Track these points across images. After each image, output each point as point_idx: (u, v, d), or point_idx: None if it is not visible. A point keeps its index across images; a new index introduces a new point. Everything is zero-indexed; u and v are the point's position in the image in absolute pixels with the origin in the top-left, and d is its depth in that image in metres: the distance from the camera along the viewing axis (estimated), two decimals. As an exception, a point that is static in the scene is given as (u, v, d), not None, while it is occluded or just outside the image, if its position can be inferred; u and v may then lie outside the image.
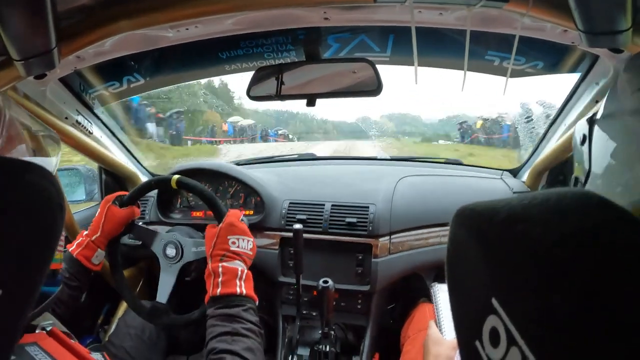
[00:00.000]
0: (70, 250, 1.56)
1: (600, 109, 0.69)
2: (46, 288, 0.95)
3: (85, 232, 1.62)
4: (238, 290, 1.30)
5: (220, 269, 1.32)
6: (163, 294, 1.70)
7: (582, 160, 0.73)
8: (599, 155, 0.68)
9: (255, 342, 1.22)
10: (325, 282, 1.59)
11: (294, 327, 1.94)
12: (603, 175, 0.67)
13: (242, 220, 1.48)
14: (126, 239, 1.96)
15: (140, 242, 1.86)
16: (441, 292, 1.54)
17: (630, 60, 0.68)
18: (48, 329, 0.96)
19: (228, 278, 1.31)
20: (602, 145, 0.67)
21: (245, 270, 1.36)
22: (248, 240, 1.43)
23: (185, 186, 1.65)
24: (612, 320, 0.30)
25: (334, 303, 1.75)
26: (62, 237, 1.03)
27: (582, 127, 0.73)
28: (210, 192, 1.61)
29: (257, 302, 1.34)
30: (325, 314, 1.64)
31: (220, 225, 1.43)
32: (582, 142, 0.73)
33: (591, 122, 0.71)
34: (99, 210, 1.66)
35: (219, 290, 1.29)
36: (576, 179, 0.77)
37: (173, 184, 1.64)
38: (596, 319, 0.30)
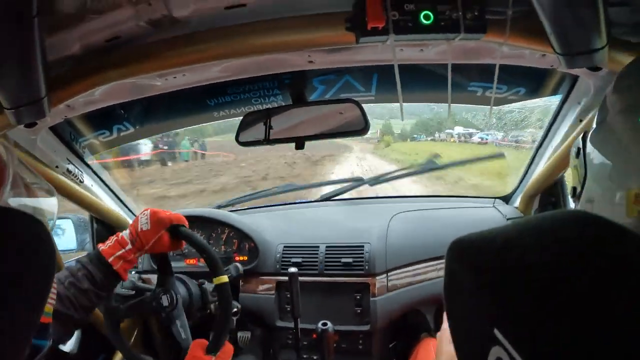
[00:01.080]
0: (109, 260, 1.47)
1: (592, 124, 0.73)
2: (37, 341, 0.93)
3: (129, 247, 1.52)
4: None
5: None
6: (184, 333, 1.65)
7: (578, 168, 0.76)
8: (593, 163, 0.73)
9: None
10: (324, 324, 1.57)
11: None
12: (597, 179, 0.72)
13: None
14: (119, 289, 1.93)
15: (134, 292, 1.83)
16: None
17: (615, 83, 0.71)
18: None
19: None
20: (596, 153, 0.71)
21: None
22: None
23: (220, 292, 1.60)
24: (621, 344, 0.30)
25: (335, 345, 1.72)
26: (54, 291, 1.00)
27: (577, 141, 0.78)
28: (230, 320, 1.57)
29: None
30: (326, 357, 1.62)
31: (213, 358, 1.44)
32: (577, 155, 0.77)
33: (584, 136, 0.75)
34: (147, 227, 1.54)
35: None
36: (574, 188, 0.81)
37: (217, 282, 1.58)
38: (601, 343, 0.30)
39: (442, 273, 1.90)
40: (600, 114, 0.73)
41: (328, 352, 1.61)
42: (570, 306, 0.33)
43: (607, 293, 0.33)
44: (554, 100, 1.79)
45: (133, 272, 2.04)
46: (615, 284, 0.33)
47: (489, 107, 1.83)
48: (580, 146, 0.77)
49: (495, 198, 2.42)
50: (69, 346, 1.98)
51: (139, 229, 1.54)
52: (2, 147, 0.84)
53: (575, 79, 1.57)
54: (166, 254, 1.69)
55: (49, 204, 1.00)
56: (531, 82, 1.72)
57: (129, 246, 1.52)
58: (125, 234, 1.54)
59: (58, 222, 2.25)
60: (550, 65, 1.38)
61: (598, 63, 1.09)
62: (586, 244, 0.38)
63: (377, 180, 2.69)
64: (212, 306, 1.79)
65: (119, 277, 1.49)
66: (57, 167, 1.80)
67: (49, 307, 0.95)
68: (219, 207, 2.56)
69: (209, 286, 1.82)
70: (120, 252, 1.50)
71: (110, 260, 1.47)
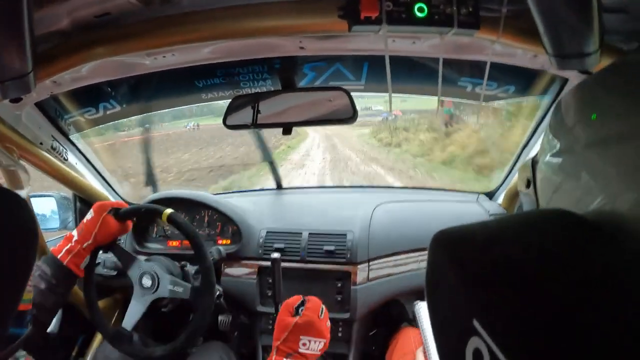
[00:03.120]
0: (58, 257, 1.49)
1: (542, 149, 0.70)
2: (14, 330, 0.93)
3: (75, 238, 1.55)
4: None
5: None
6: (129, 321, 1.66)
7: (530, 204, 0.74)
8: (546, 194, 0.69)
9: None
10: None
11: None
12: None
13: (322, 314, 1.38)
14: (101, 269, 1.93)
15: (115, 272, 1.83)
16: (424, 311, 1.52)
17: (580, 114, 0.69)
18: None
19: None
20: (548, 182, 0.68)
21: None
22: (320, 342, 1.33)
23: (175, 223, 1.62)
24: (597, 337, 0.30)
25: None
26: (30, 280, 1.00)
27: (525, 171, 0.75)
28: (198, 236, 1.58)
29: None
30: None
31: (297, 319, 1.33)
32: (527, 186, 0.75)
33: (533, 164, 0.72)
34: (91, 216, 1.60)
35: None
36: None
37: (163, 218, 1.62)
38: (580, 335, 0.31)
39: (423, 265, 1.92)
40: (563, 140, 0.65)
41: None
42: (550, 303, 0.34)
43: (587, 294, 0.33)
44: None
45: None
46: (595, 285, 0.34)
47: (479, 102, 1.85)
48: (530, 176, 0.73)
49: (479, 193, 2.43)
50: (49, 327, 1.97)
51: (84, 221, 1.59)
52: None
53: (565, 81, 1.58)
54: (115, 242, 1.71)
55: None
56: (521, 81, 1.73)
57: (75, 238, 1.55)
58: (74, 230, 1.58)
59: (40, 199, 2.23)
60: (541, 66, 1.38)
61: (589, 67, 1.09)
62: (569, 244, 0.39)
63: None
64: None
65: (71, 273, 1.50)
66: (41, 143, 1.77)
67: (27, 294, 0.95)
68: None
69: (190, 268, 1.83)
70: (67, 246, 1.52)
71: (59, 256, 1.49)
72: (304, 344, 1.30)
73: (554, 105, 0.69)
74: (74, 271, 1.50)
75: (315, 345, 1.31)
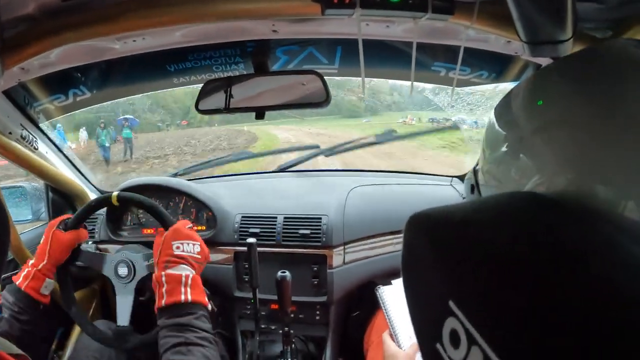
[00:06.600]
0: (17, 283, 1.47)
1: (482, 155, 0.72)
2: None
3: (32, 262, 1.53)
4: (183, 297, 1.25)
5: (163, 278, 1.28)
6: (123, 317, 1.62)
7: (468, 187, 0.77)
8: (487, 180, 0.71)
9: (211, 350, 1.18)
10: (283, 272, 1.62)
11: (254, 342, 1.91)
12: None
13: (189, 227, 1.47)
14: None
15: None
16: (386, 295, 1.53)
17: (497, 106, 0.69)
18: None
19: (172, 286, 1.27)
20: (488, 172, 0.70)
21: (191, 275, 1.32)
22: (194, 244, 1.40)
23: (127, 201, 1.62)
24: (567, 314, 0.32)
25: (292, 315, 1.75)
26: None
27: (469, 179, 0.78)
28: (152, 202, 1.59)
29: (208, 308, 1.31)
30: (284, 302, 1.66)
31: (166, 233, 1.41)
32: (472, 191, 0.77)
33: (475, 172, 0.75)
34: (43, 237, 1.57)
35: (164, 301, 1.25)
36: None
37: (114, 201, 1.61)
38: (552, 313, 0.32)
39: (398, 247, 1.94)
40: (505, 129, 0.65)
41: (285, 297, 1.65)
42: (524, 283, 0.35)
43: (558, 272, 0.34)
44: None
45: (90, 242, 2.00)
46: (566, 263, 0.35)
47: (451, 87, 1.86)
48: (474, 182, 0.76)
49: (452, 177, 2.46)
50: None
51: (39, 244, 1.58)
52: None
53: (538, 67, 1.59)
54: (78, 250, 1.69)
55: None
56: (495, 66, 1.75)
57: (32, 262, 1.53)
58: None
59: (11, 190, 2.19)
60: (514, 52, 1.41)
61: (561, 54, 1.11)
62: (540, 226, 0.40)
63: (334, 150, 2.70)
64: None
65: (31, 298, 1.47)
66: (10, 133, 1.73)
67: None
68: (175, 175, 2.55)
69: None
70: (25, 271, 1.51)
71: (18, 282, 1.47)
72: (178, 247, 1.37)
73: (495, 107, 0.70)
74: (34, 296, 1.47)
75: (189, 247, 1.39)
